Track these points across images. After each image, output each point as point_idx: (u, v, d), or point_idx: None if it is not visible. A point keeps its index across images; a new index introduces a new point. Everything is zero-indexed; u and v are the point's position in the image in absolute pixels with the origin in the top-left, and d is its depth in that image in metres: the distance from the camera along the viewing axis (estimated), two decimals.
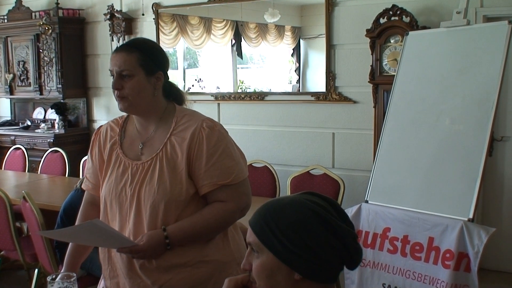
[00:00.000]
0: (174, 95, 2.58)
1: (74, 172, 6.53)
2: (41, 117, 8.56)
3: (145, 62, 2.40)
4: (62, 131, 7.86)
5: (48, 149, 7.06)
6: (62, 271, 2.59)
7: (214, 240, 2.49)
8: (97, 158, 2.61)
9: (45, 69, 7.91)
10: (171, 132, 2.45)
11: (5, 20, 8.41)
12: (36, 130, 8.12)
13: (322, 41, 6.21)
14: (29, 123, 8.56)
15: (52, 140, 7.63)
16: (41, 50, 7.90)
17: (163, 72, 2.49)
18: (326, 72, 6.17)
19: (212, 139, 2.41)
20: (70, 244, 2.69)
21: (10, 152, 7.17)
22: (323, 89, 6.22)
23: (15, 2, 8.28)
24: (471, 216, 3.74)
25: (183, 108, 2.57)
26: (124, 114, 2.62)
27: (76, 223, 2.69)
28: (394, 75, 4.71)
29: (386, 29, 5.47)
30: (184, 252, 2.42)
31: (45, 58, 7.85)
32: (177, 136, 2.44)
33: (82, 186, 2.74)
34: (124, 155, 2.51)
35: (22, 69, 8.27)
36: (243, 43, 7.30)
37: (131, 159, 2.49)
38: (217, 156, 2.40)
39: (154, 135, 2.50)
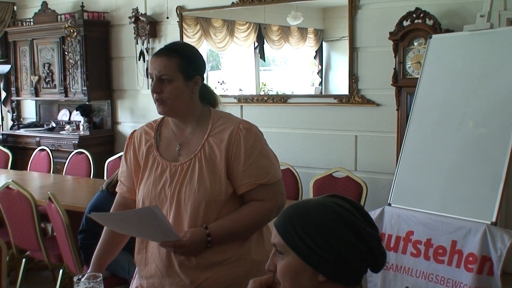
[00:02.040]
0: (208, 97, 2.64)
1: (99, 174, 6.59)
2: (66, 119, 8.64)
3: (185, 68, 2.46)
4: (87, 133, 7.92)
5: (73, 151, 7.12)
6: (88, 271, 2.62)
7: (251, 239, 2.55)
8: (131, 162, 2.66)
9: (70, 71, 7.99)
10: (208, 133, 2.51)
11: (31, 23, 8.52)
12: (61, 132, 8.20)
13: (345, 44, 6.20)
14: (54, 124, 8.65)
15: (77, 142, 7.70)
16: (66, 53, 7.98)
17: (201, 76, 2.55)
18: (349, 75, 6.17)
19: (250, 140, 2.49)
20: (98, 245, 2.73)
21: (35, 153, 7.24)
22: (346, 92, 6.22)
23: (41, 5, 8.39)
24: (494, 219, 3.73)
25: (217, 110, 2.64)
26: (158, 117, 2.69)
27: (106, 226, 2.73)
28: (417, 78, 4.69)
29: (409, 32, 5.45)
30: (222, 250, 2.47)
31: (70, 61, 7.92)
32: (214, 137, 2.50)
33: (116, 189, 2.79)
34: (161, 157, 2.56)
35: (48, 71, 8.35)
36: (265, 45, 7.33)
37: (168, 160, 2.54)
38: (254, 156, 2.48)
39: (191, 136, 2.55)
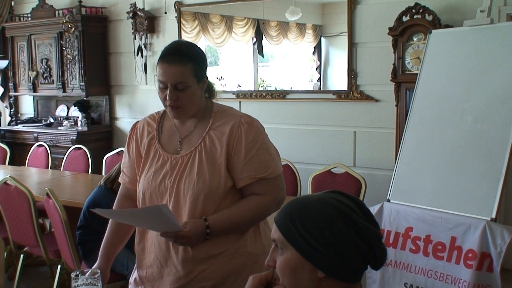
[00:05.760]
0: (208, 90, 2.64)
1: (97, 169, 6.58)
2: (64, 114, 8.62)
3: (198, 72, 2.46)
4: (85, 129, 7.91)
5: (71, 146, 7.10)
6: (96, 263, 2.71)
7: (248, 233, 2.56)
8: (134, 153, 2.68)
9: (68, 66, 7.98)
10: (209, 126, 2.53)
11: (29, 18, 8.50)
12: (59, 128, 8.18)
13: (344, 39, 6.20)
14: (52, 120, 8.63)
15: (75, 137, 7.69)
16: (64, 48, 7.96)
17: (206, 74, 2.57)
18: (348, 71, 6.16)
19: (251, 134, 2.50)
20: (105, 237, 2.75)
21: (33, 149, 7.23)
22: (345, 88, 6.21)
23: (39, 0, 8.36)
24: (494, 215, 3.72)
25: (219, 104, 2.65)
26: (160, 109, 2.68)
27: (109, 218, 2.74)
28: (416, 74, 4.68)
29: (409, 27, 5.43)
30: (220, 243, 2.49)
31: (68, 56, 7.90)
32: (215, 131, 2.51)
33: (119, 180, 2.81)
34: (162, 150, 2.58)
35: (45, 66, 8.34)
36: (264, 41, 7.32)
37: (169, 153, 2.56)
38: (255, 150, 2.49)
39: (193, 130, 2.56)
